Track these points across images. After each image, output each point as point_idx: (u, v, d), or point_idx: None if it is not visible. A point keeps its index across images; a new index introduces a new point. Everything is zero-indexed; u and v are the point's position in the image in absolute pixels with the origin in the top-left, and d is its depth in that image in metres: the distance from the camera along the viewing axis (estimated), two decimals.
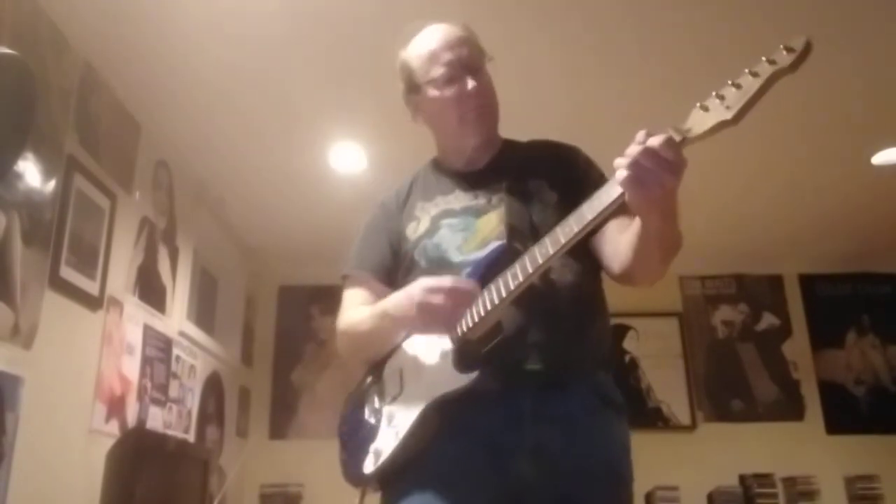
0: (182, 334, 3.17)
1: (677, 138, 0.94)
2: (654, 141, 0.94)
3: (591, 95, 2.74)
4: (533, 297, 1.14)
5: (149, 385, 2.79)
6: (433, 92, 1.33)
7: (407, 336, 1.25)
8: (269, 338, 4.40)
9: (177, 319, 3.12)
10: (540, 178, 1.31)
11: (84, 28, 2.27)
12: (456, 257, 1.25)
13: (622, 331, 4.46)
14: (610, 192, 1.00)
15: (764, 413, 4.28)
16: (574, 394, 1.17)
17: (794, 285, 4.55)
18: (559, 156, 1.37)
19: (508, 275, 1.10)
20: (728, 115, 0.90)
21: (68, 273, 2.22)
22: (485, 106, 1.34)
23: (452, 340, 1.15)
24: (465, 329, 1.14)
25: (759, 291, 4.56)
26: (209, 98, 2.71)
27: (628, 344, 4.44)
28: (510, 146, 1.42)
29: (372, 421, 1.25)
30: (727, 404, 4.31)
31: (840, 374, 4.37)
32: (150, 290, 2.86)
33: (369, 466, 1.20)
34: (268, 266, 4.37)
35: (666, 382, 4.34)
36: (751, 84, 0.89)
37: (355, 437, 1.27)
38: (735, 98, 0.90)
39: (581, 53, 2.51)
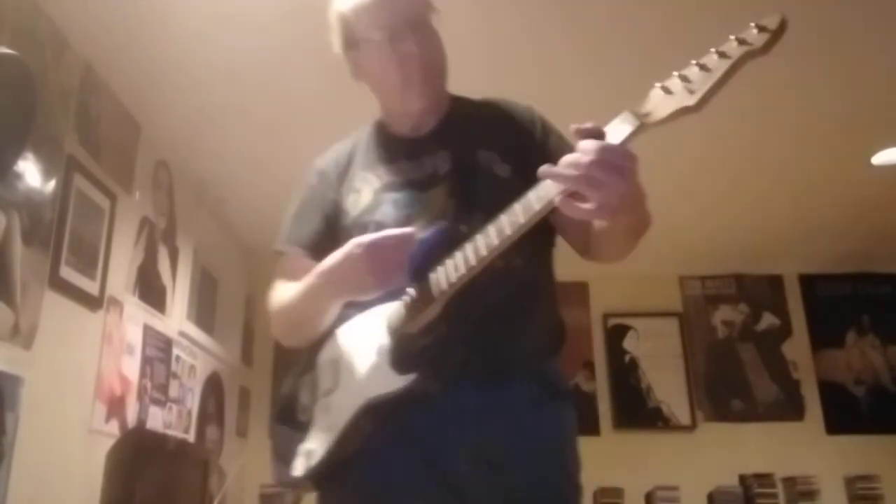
0: (182, 334, 3.17)
1: (634, 124, 0.87)
2: (592, 148, 0.86)
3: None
4: (476, 285, 1.04)
5: (149, 385, 2.79)
6: (374, 52, 1.21)
7: (342, 320, 1.17)
8: (269, 338, 4.36)
9: (177, 319, 3.12)
10: (491, 148, 1.20)
11: (84, 28, 2.27)
12: None
13: (622, 331, 4.46)
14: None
15: (764, 413, 4.28)
16: (517, 386, 1.11)
17: (794, 285, 4.55)
18: (513, 121, 1.26)
19: (450, 265, 1.03)
20: (690, 101, 0.83)
21: (68, 273, 2.22)
22: (431, 67, 1.22)
23: (390, 334, 1.09)
24: (403, 321, 1.08)
25: (759, 291, 4.56)
26: (209, 98, 2.71)
27: (628, 344, 4.44)
28: (459, 106, 1.30)
29: (304, 417, 1.17)
30: (727, 404, 4.31)
31: (840, 374, 4.37)
32: (150, 290, 2.86)
33: (299, 468, 1.12)
34: (268, 266, 4.35)
35: (666, 382, 4.34)
36: (717, 66, 0.82)
37: (286, 433, 1.19)
38: (699, 81, 0.83)
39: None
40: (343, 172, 1.29)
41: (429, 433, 1.08)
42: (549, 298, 1.23)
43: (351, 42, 1.25)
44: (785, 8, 0.83)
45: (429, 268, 1.06)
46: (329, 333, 1.20)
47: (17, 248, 1.97)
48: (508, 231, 0.97)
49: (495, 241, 0.99)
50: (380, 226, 1.17)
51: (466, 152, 1.20)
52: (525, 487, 1.07)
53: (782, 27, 0.80)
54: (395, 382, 1.04)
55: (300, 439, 1.16)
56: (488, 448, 1.07)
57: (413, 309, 1.07)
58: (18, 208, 1.98)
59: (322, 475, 1.12)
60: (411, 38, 1.19)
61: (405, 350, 1.07)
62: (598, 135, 0.89)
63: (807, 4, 2.23)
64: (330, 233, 1.25)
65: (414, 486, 1.08)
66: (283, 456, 1.18)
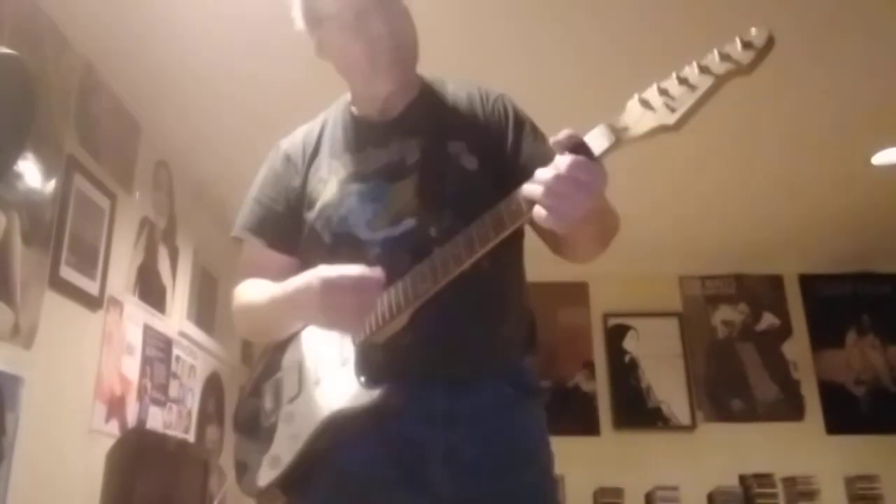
0: (182, 334, 3.17)
1: (610, 140, 0.85)
2: (565, 164, 0.86)
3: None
4: (443, 292, 1.02)
5: (149, 385, 2.79)
6: (338, 31, 1.15)
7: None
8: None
9: (177, 319, 3.12)
10: (460, 138, 1.15)
11: (84, 28, 2.27)
12: (364, 234, 1.11)
13: (622, 331, 4.46)
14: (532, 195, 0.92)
15: (764, 413, 4.28)
16: (486, 388, 1.09)
17: (794, 285, 4.55)
18: (485, 112, 1.20)
19: (417, 275, 1.01)
20: (670, 121, 0.80)
21: (68, 273, 2.22)
22: (400, 49, 1.15)
23: (354, 343, 1.06)
24: (368, 332, 1.04)
25: (759, 291, 4.56)
26: (209, 98, 2.71)
27: (628, 344, 4.44)
28: (430, 91, 1.24)
29: (269, 422, 1.13)
30: (727, 404, 4.31)
31: (840, 374, 4.37)
32: (150, 290, 2.86)
33: (265, 477, 1.09)
34: None
35: (666, 382, 4.33)
36: (699, 83, 0.78)
37: (251, 439, 1.16)
38: (680, 98, 0.79)
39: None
40: (310, 158, 1.23)
41: (401, 437, 1.05)
42: (519, 296, 1.19)
43: (314, 19, 1.19)
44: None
45: (396, 274, 1.03)
46: (294, 334, 1.16)
47: (17, 248, 1.97)
48: (478, 247, 0.97)
49: (464, 256, 0.98)
50: (343, 220, 1.13)
51: (436, 142, 1.15)
52: (501, 488, 1.05)
53: (769, 45, 0.76)
54: (361, 397, 1.02)
55: (262, 448, 1.13)
56: (462, 451, 1.05)
57: (379, 319, 1.04)
58: (18, 208, 1.98)
59: (289, 483, 1.09)
60: (379, 16, 1.13)
61: (371, 361, 1.04)
62: (575, 144, 0.88)
63: (807, 5, 2.23)
64: (293, 222, 1.20)
65: (387, 490, 1.05)
66: (247, 461, 1.15)
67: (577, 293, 4.37)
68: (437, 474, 1.04)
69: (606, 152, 0.87)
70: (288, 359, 1.16)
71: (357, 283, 1.00)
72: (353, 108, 1.26)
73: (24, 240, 2.00)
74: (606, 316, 4.45)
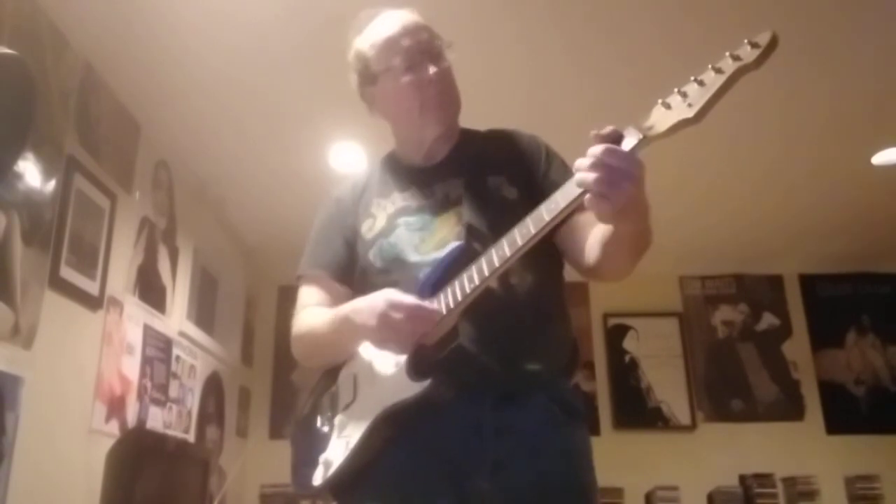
0: (182, 334, 3.17)
1: (638, 137, 0.91)
2: (598, 151, 0.91)
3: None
4: (491, 302, 1.10)
5: (149, 385, 2.79)
6: (392, 81, 1.27)
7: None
8: (269, 338, 4.41)
9: (177, 319, 3.12)
10: (499, 173, 1.25)
11: (84, 28, 2.27)
12: (413, 257, 1.19)
13: (622, 331, 4.46)
14: (568, 192, 0.97)
15: (764, 413, 4.28)
16: (534, 404, 1.13)
17: (794, 285, 4.56)
18: (519, 148, 1.31)
19: (465, 278, 1.06)
20: (690, 114, 0.87)
21: (68, 273, 2.22)
22: (446, 92, 1.27)
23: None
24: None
25: (759, 291, 4.56)
26: (209, 98, 2.71)
27: (628, 344, 4.44)
28: (468, 137, 1.36)
29: (324, 429, 1.21)
30: (727, 404, 4.31)
31: (840, 374, 4.37)
32: (150, 290, 2.86)
33: (318, 478, 1.16)
34: (268, 266, 4.37)
35: (666, 382, 4.34)
36: (713, 81, 0.86)
37: (307, 445, 1.23)
38: (697, 95, 0.87)
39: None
40: (358, 200, 1.34)
41: (449, 446, 1.09)
42: (562, 320, 1.25)
43: (368, 77, 1.31)
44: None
45: (447, 282, 1.09)
46: (349, 357, 1.23)
47: (17, 248, 1.97)
48: (520, 242, 1.01)
49: (507, 252, 1.02)
50: (393, 246, 1.22)
51: (476, 178, 1.25)
52: None
53: (773, 43, 0.84)
54: (412, 389, 1.07)
55: (320, 448, 1.19)
56: (507, 464, 1.08)
57: None
58: (18, 208, 1.98)
59: (340, 485, 1.15)
60: (429, 65, 1.24)
61: (421, 361, 1.09)
62: (615, 138, 0.93)
63: (807, 7, 2.24)
64: (349, 255, 1.30)
65: (432, 497, 1.08)
66: (303, 464, 1.21)
67: (576, 293, 4.37)
68: (481, 485, 1.07)
69: (636, 148, 0.93)
70: (344, 373, 1.23)
71: (415, 310, 1.07)
72: (399, 157, 1.37)
73: (24, 240, 2.00)
74: (606, 316, 4.46)
